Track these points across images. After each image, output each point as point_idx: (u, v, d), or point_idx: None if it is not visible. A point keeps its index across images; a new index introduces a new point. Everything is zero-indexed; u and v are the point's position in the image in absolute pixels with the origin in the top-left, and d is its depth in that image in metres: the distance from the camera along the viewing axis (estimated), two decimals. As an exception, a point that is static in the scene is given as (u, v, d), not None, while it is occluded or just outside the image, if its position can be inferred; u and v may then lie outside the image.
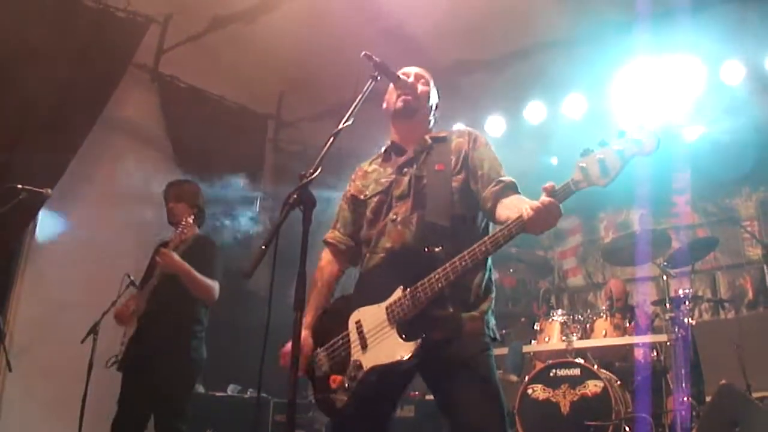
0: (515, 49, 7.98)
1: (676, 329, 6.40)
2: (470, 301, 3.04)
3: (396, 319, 2.89)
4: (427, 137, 3.37)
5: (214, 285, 5.08)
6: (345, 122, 2.89)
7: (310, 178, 2.63)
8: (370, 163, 3.57)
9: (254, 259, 2.46)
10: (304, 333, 3.16)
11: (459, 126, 8.32)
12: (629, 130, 2.54)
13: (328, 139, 2.81)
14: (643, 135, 2.50)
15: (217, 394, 7.54)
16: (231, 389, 7.69)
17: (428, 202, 3.13)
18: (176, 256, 4.86)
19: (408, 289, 2.88)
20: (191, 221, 5.12)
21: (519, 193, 3.05)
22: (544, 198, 2.60)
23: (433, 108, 3.52)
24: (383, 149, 3.53)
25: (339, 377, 3.00)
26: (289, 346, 3.01)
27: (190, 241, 5.12)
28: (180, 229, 5.04)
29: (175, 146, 8.18)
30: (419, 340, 2.81)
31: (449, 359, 2.91)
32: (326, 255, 3.50)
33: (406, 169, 3.29)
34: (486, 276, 3.14)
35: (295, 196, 2.58)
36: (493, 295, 3.17)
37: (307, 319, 3.22)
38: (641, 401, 6.29)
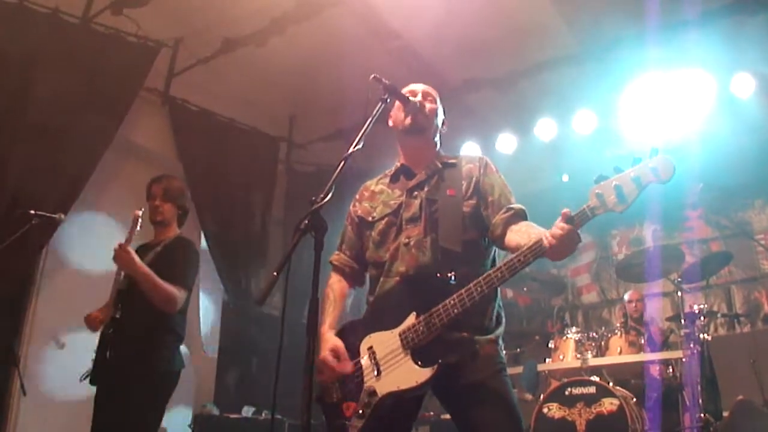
0: (524, 67, 8.01)
1: (691, 345, 6.37)
2: (485, 327, 3.06)
3: (410, 345, 2.89)
4: (437, 162, 3.37)
5: (178, 293, 4.57)
6: (355, 146, 2.89)
7: (320, 203, 2.63)
8: (377, 183, 3.56)
9: (266, 286, 2.46)
10: (329, 334, 3.17)
11: (469, 145, 8.42)
12: (645, 156, 2.54)
13: (339, 164, 2.82)
14: (659, 163, 2.50)
15: (232, 416, 7.54)
16: (245, 411, 7.68)
17: (440, 227, 3.14)
18: (134, 254, 4.50)
19: (422, 316, 2.88)
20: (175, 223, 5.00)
21: (528, 219, 3.06)
22: (564, 225, 2.59)
23: (440, 126, 3.51)
24: (391, 170, 3.53)
25: (353, 404, 2.98)
26: (326, 354, 3.04)
27: (168, 242, 4.86)
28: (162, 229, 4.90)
29: (187, 169, 8.18)
30: (435, 366, 2.81)
31: (466, 381, 2.91)
32: (334, 275, 3.50)
33: (416, 192, 3.29)
34: (497, 303, 3.16)
35: (306, 221, 2.59)
36: (504, 321, 3.18)
37: (327, 324, 3.23)
38: (657, 418, 6.26)
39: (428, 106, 3.41)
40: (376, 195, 3.48)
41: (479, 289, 2.78)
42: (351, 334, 3.16)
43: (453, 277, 2.91)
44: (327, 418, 3.11)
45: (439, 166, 3.35)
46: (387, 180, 3.51)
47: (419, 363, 2.85)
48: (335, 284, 3.46)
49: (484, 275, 2.78)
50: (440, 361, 2.82)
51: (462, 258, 3.04)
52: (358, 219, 3.48)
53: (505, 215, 3.08)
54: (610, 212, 2.59)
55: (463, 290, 2.80)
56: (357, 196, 3.58)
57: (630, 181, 2.54)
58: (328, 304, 3.34)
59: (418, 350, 2.88)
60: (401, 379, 2.88)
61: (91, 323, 4.67)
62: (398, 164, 3.49)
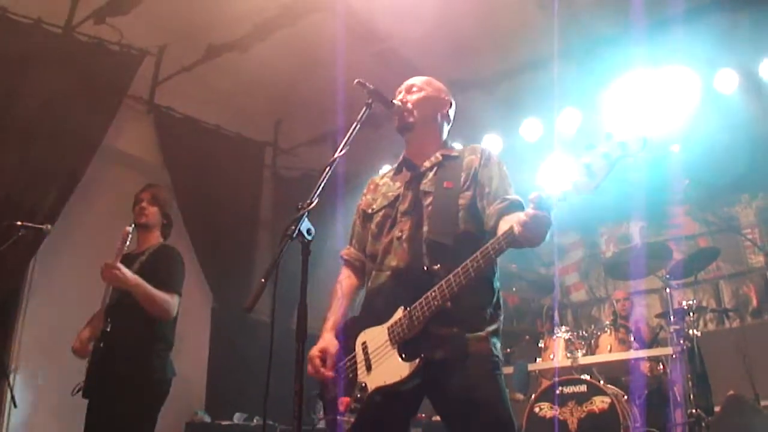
0: (508, 67, 8.01)
1: (681, 341, 6.40)
2: (476, 323, 3.00)
3: (396, 339, 2.91)
4: (439, 154, 3.34)
5: (171, 299, 4.65)
6: (340, 151, 2.90)
7: (307, 209, 2.63)
8: (382, 177, 3.57)
9: (255, 292, 2.45)
10: (327, 334, 3.18)
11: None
12: (615, 132, 2.53)
13: (324, 169, 2.82)
14: (628, 136, 2.50)
15: (223, 423, 7.53)
16: (237, 417, 7.66)
17: (432, 220, 3.12)
18: (123, 268, 4.49)
19: (407, 309, 2.89)
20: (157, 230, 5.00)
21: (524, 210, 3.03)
22: (530, 210, 2.56)
23: (439, 111, 3.47)
24: (396, 163, 3.53)
25: (347, 399, 3.00)
26: (314, 353, 3.07)
27: (152, 250, 4.87)
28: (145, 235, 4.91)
29: (173, 176, 8.18)
30: (418, 360, 2.82)
31: (457, 384, 2.88)
32: (344, 270, 3.49)
33: (414, 184, 3.29)
34: (494, 299, 3.11)
35: (293, 227, 2.58)
36: (501, 318, 3.13)
37: (330, 322, 3.24)
38: (649, 415, 6.27)
39: (412, 98, 3.40)
40: (379, 188, 3.50)
41: (458, 279, 2.77)
42: (350, 330, 3.18)
43: (440, 270, 2.90)
44: (324, 413, 3.14)
45: (441, 158, 3.32)
46: (391, 173, 3.52)
47: (404, 357, 2.87)
48: (344, 280, 3.45)
49: (462, 265, 2.77)
50: (422, 355, 2.82)
51: (452, 251, 2.99)
52: (362, 212, 3.50)
53: (500, 206, 3.03)
54: (583, 192, 2.54)
55: (443, 282, 2.80)
56: (364, 190, 3.60)
57: (600, 158, 2.52)
58: (335, 301, 3.34)
59: (404, 344, 2.89)
60: (388, 374, 2.89)
61: (80, 351, 4.70)
62: (401, 157, 3.50)
